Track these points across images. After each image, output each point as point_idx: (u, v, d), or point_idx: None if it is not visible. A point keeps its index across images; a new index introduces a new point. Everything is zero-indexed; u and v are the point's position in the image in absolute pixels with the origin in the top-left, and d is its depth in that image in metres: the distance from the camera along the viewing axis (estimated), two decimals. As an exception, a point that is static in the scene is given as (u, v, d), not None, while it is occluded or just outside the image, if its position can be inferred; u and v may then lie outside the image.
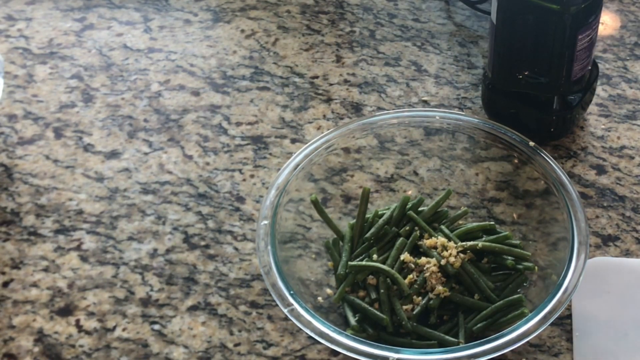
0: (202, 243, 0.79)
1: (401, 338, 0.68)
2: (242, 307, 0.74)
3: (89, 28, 1.02)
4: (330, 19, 1.03)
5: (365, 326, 0.68)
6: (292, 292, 0.66)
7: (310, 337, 0.65)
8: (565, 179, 0.72)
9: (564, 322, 0.71)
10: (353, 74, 0.95)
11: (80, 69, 0.97)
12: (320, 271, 0.74)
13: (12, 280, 0.76)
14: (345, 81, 0.94)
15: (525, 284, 0.71)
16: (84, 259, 0.78)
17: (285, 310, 0.65)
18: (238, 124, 0.90)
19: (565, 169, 0.83)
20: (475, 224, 0.74)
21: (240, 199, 0.82)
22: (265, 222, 0.70)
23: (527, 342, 0.63)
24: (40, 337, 0.72)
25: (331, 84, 0.94)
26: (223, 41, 1.00)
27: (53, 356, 0.71)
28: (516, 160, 0.76)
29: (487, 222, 0.74)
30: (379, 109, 0.91)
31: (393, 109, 0.90)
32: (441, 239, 0.72)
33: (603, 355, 0.69)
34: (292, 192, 0.74)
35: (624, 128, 0.88)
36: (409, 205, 0.75)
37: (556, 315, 0.63)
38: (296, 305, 0.65)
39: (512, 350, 0.64)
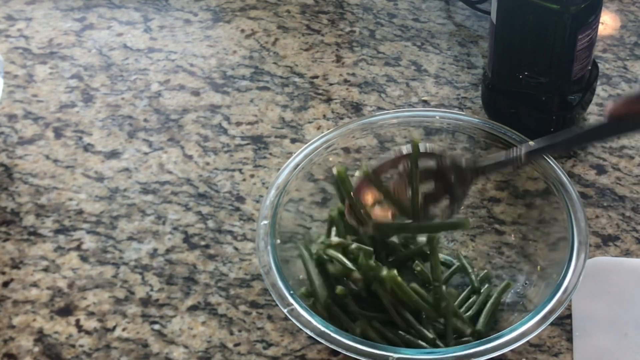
0: (202, 243, 0.79)
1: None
2: (242, 307, 0.74)
3: (89, 28, 1.02)
4: (330, 18, 1.03)
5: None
6: (292, 292, 0.66)
7: (310, 337, 0.65)
8: (565, 179, 0.72)
9: (564, 322, 0.71)
10: (353, 74, 0.95)
11: (80, 68, 0.97)
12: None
13: (12, 280, 0.76)
14: (345, 81, 0.94)
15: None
16: (84, 259, 0.78)
17: (285, 310, 0.65)
18: (238, 123, 0.90)
19: (565, 169, 0.83)
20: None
21: (240, 199, 0.82)
22: (265, 222, 0.70)
23: (527, 342, 0.63)
24: (40, 337, 0.72)
25: (331, 84, 0.94)
26: (223, 41, 1.00)
27: (53, 356, 0.71)
28: (516, 160, 0.76)
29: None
30: (379, 108, 0.91)
31: (393, 109, 0.90)
32: None
33: (603, 355, 0.69)
34: (292, 192, 0.74)
35: (624, 128, 0.88)
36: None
37: (556, 315, 0.63)
38: (296, 305, 0.65)
39: (512, 350, 0.64)
